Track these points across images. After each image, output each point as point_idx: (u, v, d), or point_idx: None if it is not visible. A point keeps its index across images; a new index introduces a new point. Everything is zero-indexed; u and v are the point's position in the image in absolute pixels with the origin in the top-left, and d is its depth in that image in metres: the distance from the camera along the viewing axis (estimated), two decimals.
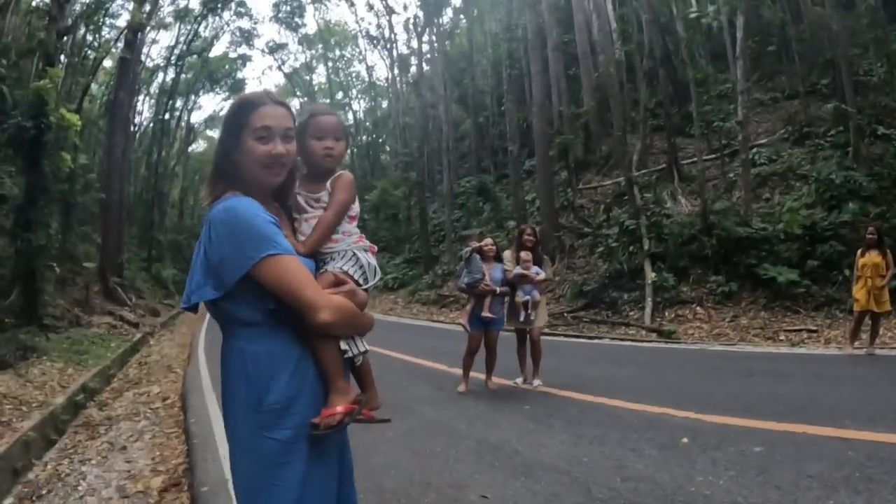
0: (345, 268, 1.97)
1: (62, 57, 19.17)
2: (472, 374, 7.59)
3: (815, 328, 10.87)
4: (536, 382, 7.49)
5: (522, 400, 6.81)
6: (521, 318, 7.50)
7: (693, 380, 7.74)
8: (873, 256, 8.82)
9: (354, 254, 2.02)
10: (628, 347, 11.47)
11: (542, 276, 7.89)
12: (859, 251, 9.14)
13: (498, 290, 7.36)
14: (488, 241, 7.81)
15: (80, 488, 4.79)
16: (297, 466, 1.77)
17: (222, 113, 46.55)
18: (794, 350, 9.76)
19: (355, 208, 2.10)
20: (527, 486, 4.13)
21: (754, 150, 16.94)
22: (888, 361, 8.18)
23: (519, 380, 7.74)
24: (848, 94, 14.71)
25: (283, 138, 1.82)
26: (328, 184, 2.03)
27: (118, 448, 5.92)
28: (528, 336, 7.81)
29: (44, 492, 4.70)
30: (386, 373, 9.74)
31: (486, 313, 7.26)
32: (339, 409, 1.82)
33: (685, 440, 4.85)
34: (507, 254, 8.02)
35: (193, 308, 1.89)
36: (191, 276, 1.87)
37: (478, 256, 7.52)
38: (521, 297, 7.55)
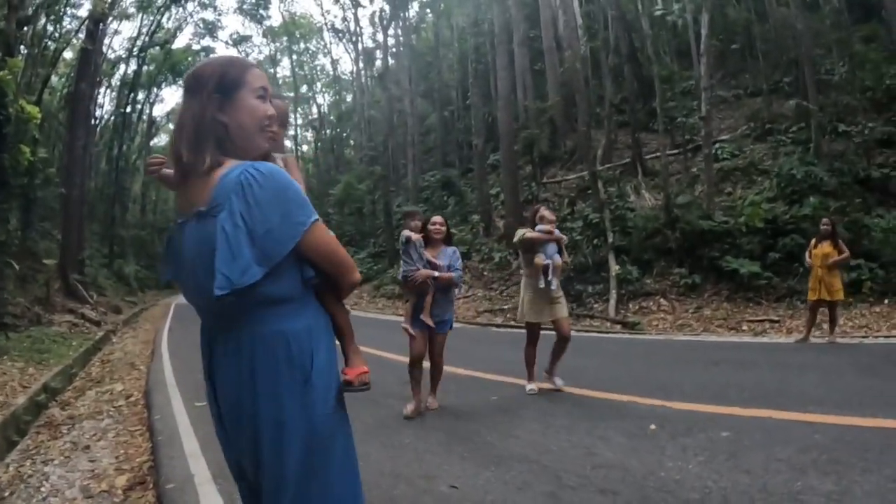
0: None
1: (22, 47, 18.64)
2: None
3: (777, 318, 11.07)
4: (559, 382, 6.63)
5: (491, 391, 6.79)
6: (541, 284, 6.46)
7: (659, 369, 7.78)
8: (825, 247, 9.01)
9: None
10: (594, 339, 11.51)
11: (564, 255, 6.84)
12: (812, 242, 9.33)
13: (437, 274, 5.88)
14: (437, 219, 6.25)
15: (42, 489, 4.69)
16: (341, 440, 1.78)
17: None
18: (757, 340, 9.88)
19: None
20: (497, 475, 4.10)
21: (717, 145, 17.18)
22: (850, 349, 8.30)
23: (532, 386, 6.65)
24: (810, 93, 14.99)
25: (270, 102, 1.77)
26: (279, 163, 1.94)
27: (81, 447, 5.80)
28: (557, 331, 6.64)
29: (6, 494, 4.59)
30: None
31: (425, 316, 5.88)
32: (365, 368, 1.91)
33: (653, 427, 4.85)
34: (521, 231, 6.89)
35: (239, 293, 1.60)
36: (227, 256, 1.59)
37: (417, 242, 5.99)
38: (541, 259, 6.49)
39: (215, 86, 1.72)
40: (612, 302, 13.94)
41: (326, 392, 1.73)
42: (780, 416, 4.88)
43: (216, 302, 1.62)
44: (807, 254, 9.37)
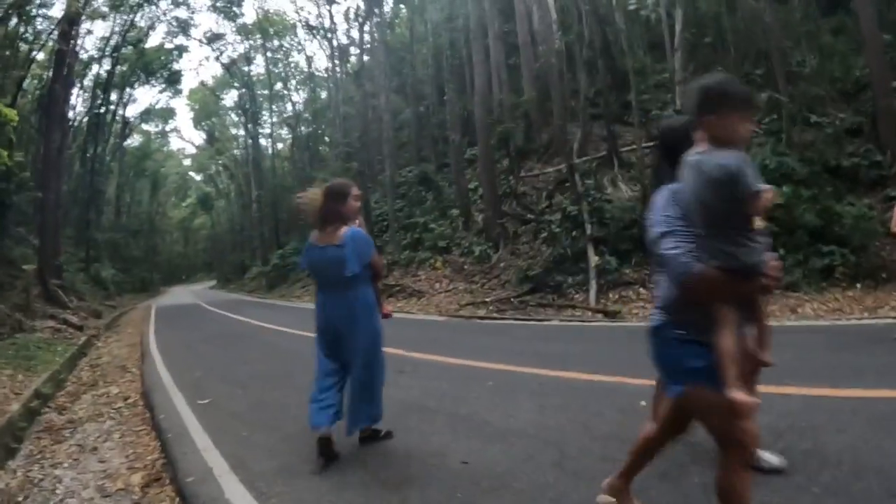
0: None
1: None
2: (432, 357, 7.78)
3: None
4: None
5: (484, 377, 7.07)
6: None
7: (643, 353, 8.06)
8: None
9: None
10: (577, 327, 11.85)
11: None
12: None
13: None
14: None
15: (57, 492, 4.78)
16: (381, 334, 4.84)
17: (158, 105, 45.06)
18: None
19: None
20: (503, 450, 4.41)
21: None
22: (824, 331, 8.66)
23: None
24: (781, 84, 15.40)
25: None
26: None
27: (89, 449, 5.90)
28: None
29: (20, 498, 4.67)
30: None
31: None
32: (390, 308, 5.28)
33: (643, 403, 5.16)
34: None
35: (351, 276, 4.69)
36: (352, 262, 4.66)
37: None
38: None
39: (338, 196, 4.79)
40: (592, 292, 14.27)
41: (377, 315, 4.86)
42: (758, 388, 5.21)
43: (344, 279, 4.56)
44: None
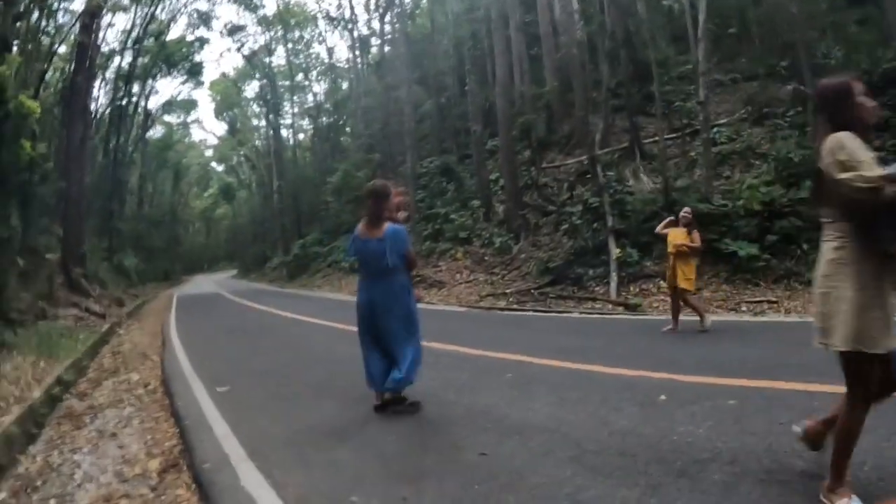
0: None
1: (15, 43, 18.65)
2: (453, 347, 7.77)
3: (775, 299, 11.30)
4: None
5: (503, 369, 7.05)
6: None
7: (663, 346, 8.05)
8: (678, 234, 9.26)
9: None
10: (597, 320, 11.80)
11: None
12: (663, 225, 9.68)
13: None
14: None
15: (76, 476, 4.81)
16: (417, 313, 5.73)
17: (180, 97, 45.31)
18: (756, 319, 10.15)
19: None
20: (521, 443, 4.37)
21: (715, 129, 17.37)
22: None
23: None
24: (806, 76, 15.17)
25: None
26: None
27: (108, 435, 5.94)
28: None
29: (39, 483, 4.70)
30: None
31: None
32: (421, 294, 7.50)
33: (663, 397, 5.14)
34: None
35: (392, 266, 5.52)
36: (391, 254, 5.47)
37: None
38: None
39: (381, 196, 5.62)
40: (613, 284, 14.18)
41: (412, 295, 5.72)
42: (780, 385, 5.18)
43: (385, 268, 5.36)
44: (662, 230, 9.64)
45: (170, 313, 20.22)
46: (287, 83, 56.10)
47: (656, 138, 17.69)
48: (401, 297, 5.51)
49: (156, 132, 60.20)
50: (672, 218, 9.68)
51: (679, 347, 7.91)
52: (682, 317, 9.24)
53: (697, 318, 9.00)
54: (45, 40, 24.97)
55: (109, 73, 41.39)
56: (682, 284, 9.04)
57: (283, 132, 58.90)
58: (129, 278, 34.68)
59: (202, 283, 48.42)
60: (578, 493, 3.43)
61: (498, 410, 5.33)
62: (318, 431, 5.24)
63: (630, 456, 3.88)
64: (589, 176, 18.60)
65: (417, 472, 4.01)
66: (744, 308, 11.13)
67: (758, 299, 11.46)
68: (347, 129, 51.87)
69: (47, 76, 26.85)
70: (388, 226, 5.42)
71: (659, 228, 9.73)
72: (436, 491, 3.66)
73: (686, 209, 9.61)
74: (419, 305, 5.93)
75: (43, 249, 18.61)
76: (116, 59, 41.39)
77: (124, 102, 43.41)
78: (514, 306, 15.10)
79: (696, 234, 9.20)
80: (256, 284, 41.78)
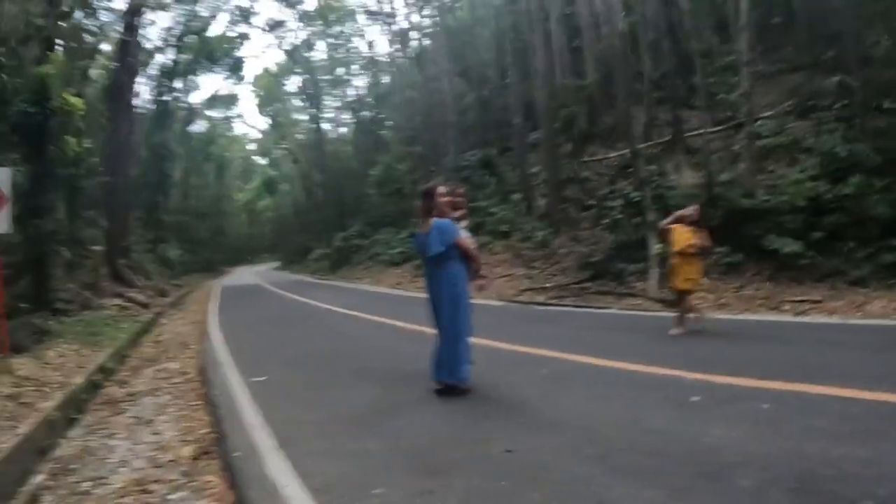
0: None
1: (59, 42, 19.14)
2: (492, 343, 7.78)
3: (819, 299, 10.90)
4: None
5: (538, 365, 7.08)
6: None
7: (701, 346, 7.95)
8: (685, 233, 8.84)
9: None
10: (636, 317, 11.70)
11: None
12: (670, 222, 9.17)
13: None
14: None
15: (110, 460, 4.96)
16: (467, 300, 6.09)
17: (222, 92, 46.17)
18: (798, 319, 9.93)
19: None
20: (550, 440, 4.40)
21: (759, 122, 17.01)
22: (891, 331, 8.35)
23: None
24: (853, 68, 14.78)
25: None
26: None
27: (144, 422, 6.11)
28: None
29: (76, 466, 4.84)
30: (401, 342, 10.04)
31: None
32: (482, 282, 7.23)
33: (696, 398, 5.12)
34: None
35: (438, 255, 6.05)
36: (436, 244, 6.02)
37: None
38: None
39: (427, 195, 6.17)
40: (654, 281, 14.04)
41: (461, 286, 6.03)
42: (818, 390, 5.08)
43: (432, 259, 5.99)
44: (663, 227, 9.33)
45: (211, 304, 20.59)
46: (328, 77, 56.43)
47: (699, 131, 17.42)
48: (446, 287, 6.00)
49: (199, 126, 61.14)
50: (680, 213, 9.22)
51: (717, 347, 7.82)
52: (715, 315, 9.08)
53: (676, 315, 8.92)
54: (89, 38, 25.50)
55: (152, 70, 42.22)
56: (685, 286, 8.79)
57: (325, 126, 59.38)
58: (172, 269, 35.49)
59: (244, 275, 49.16)
60: (604, 491, 3.43)
61: (530, 406, 5.36)
62: (349, 421, 5.34)
63: (659, 456, 3.87)
64: (630, 170, 18.40)
65: (445, 465, 4.05)
66: (786, 307, 10.84)
67: (800, 298, 11.15)
68: (389, 122, 52.00)
69: (92, 73, 27.51)
70: (434, 220, 5.97)
71: (665, 223, 9.32)
72: (462, 486, 3.69)
73: (694, 206, 9.25)
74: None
75: (89, 241, 19.14)
76: (159, 56, 42.23)
77: (167, 98, 44.18)
78: (553, 301, 15.05)
79: (703, 234, 8.88)
80: (298, 276, 42.25)
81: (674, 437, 4.25)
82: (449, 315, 5.97)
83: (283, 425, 5.34)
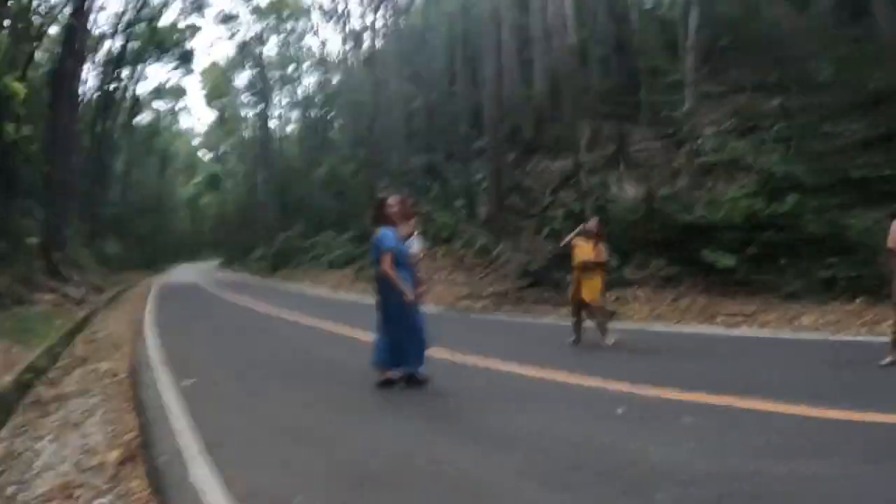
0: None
1: (5, 23, 18.43)
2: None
3: (751, 312, 11.06)
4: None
5: (473, 375, 7.16)
6: None
7: (627, 358, 8.00)
8: (586, 247, 8.93)
9: None
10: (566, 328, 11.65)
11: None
12: (572, 237, 9.27)
13: None
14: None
15: (36, 465, 4.82)
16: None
17: (169, 84, 45.31)
18: (729, 331, 10.07)
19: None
20: (475, 450, 4.39)
21: (700, 140, 17.27)
22: (818, 345, 8.46)
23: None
24: (795, 91, 15.08)
25: None
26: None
27: (71, 425, 5.93)
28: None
29: (1, 469, 4.71)
30: (336, 347, 9.86)
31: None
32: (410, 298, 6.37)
33: (620, 410, 5.06)
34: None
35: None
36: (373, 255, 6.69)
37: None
38: None
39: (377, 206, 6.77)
40: None
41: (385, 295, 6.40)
42: (739, 404, 5.10)
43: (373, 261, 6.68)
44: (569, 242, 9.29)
45: (148, 303, 20.05)
46: (278, 73, 55.82)
47: (642, 146, 17.59)
48: (381, 290, 6.53)
49: (144, 118, 59.86)
50: (583, 226, 9.31)
51: (646, 359, 7.87)
52: (628, 326, 9.09)
53: (601, 333, 8.85)
54: (36, 20, 24.59)
55: (99, 57, 41.09)
56: (587, 298, 8.78)
57: (272, 123, 58.72)
58: (110, 265, 34.43)
59: (185, 273, 48.13)
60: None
61: (457, 416, 5.34)
62: (276, 428, 5.28)
63: (583, 469, 3.81)
64: (573, 181, 18.48)
65: (366, 477, 3.96)
66: (718, 320, 10.98)
67: (733, 312, 11.29)
68: (337, 122, 51.60)
69: (37, 57, 26.55)
70: (381, 230, 6.49)
71: (566, 240, 9.37)
72: (377, 498, 3.64)
73: (593, 220, 9.37)
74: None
75: (24, 232, 18.41)
76: (107, 43, 41.14)
77: (113, 87, 43.24)
78: (490, 309, 15.00)
79: (601, 248, 8.93)
80: (238, 276, 41.57)
81: (596, 449, 4.19)
82: (380, 313, 6.55)
83: (211, 430, 5.19)
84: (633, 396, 5.54)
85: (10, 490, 4.29)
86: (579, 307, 8.93)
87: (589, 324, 9.12)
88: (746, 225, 12.74)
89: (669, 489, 3.38)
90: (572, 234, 9.31)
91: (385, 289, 6.43)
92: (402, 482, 3.86)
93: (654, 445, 4.15)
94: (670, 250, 13.57)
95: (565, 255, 15.50)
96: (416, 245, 6.92)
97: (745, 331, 10.03)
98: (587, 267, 8.81)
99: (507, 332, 11.47)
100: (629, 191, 17.52)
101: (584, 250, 8.89)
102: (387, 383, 6.35)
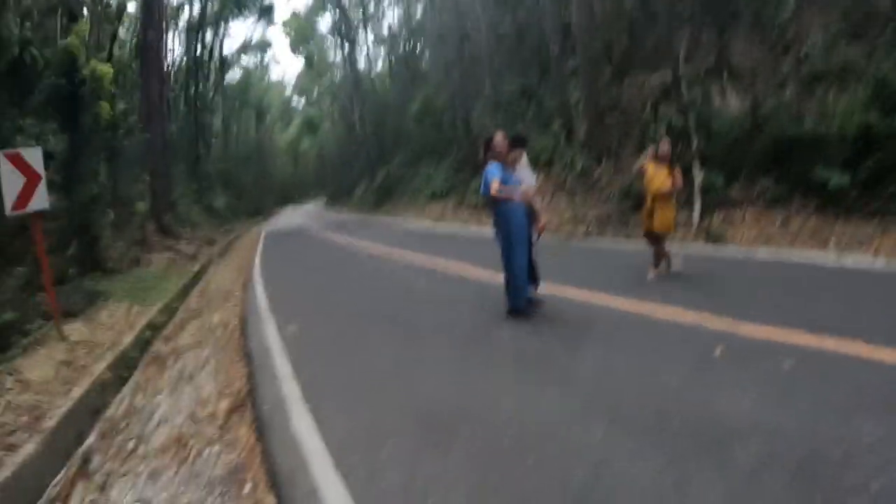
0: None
1: (84, 9, 19.17)
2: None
3: (865, 238, 10.30)
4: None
5: (566, 308, 7.21)
6: None
7: (729, 287, 7.95)
8: (660, 173, 8.51)
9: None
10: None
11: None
12: (646, 162, 8.84)
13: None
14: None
15: (154, 418, 5.20)
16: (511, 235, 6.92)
17: (254, 40, 45.87)
18: (841, 261, 9.38)
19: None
20: (561, 393, 4.52)
21: (807, 45, 16.16)
22: None
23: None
24: None
25: None
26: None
27: (187, 377, 6.34)
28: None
29: (122, 425, 5.10)
30: (439, 285, 10.12)
31: None
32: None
33: (717, 353, 5.07)
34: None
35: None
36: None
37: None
38: None
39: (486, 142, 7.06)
40: (696, 212, 13.71)
41: (517, 223, 6.88)
42: (842, 349, 4.89)
43: (485, 196, 6.82)
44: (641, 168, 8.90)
45: (256, 250, 20.90)
46: (360, 11, 55.44)
47: (745, 54, 16.66)
48: (501, 223, 6.86)
49: (234, 76, 61.25)
50: (654, 149, 8.83)
51: (749, 291, 7.64)
52: (731, 253, 8.79)
53: (664, 261, 8.75)
54: (113, 2, 25.41)
55: (182, 24, 42.45)
56: (661, 227, 8.53)
57: (361, 62, 58.60)
58: (220, 217, 36.13)
59: (291, 216, 49.64)
60: (605, 455, 3.48)
61: (547, 355, 5.49)
62: (376, 375, 5.49)
63: (665, 419, 3.88)
64: (673, 95, 17.80)
65: (452, 422, 4.15)
66: (830, 244, 10.40)
67: (846, 236, 10.58)
68: (425, 54, 51.02)
69: (122, 34, 27.49)
70: (490, 164, 6.82)
71: (639, 165, 9.05)
72: (465, 445, 3.79)
73: (665, 142, 8.82)
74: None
75: (135, 199, 19.52)
76: (186, 9, 42.37)
77: (199, 51, 44.27)
78: (593, 232, 15.09)
79: (677, 173, 8.49)
80: (343, 215, 42.39)
81: (687, 399, 4.21)
82: (502, 250, 6.90)
83: (312, 377, 5.54)
84: (731, 336, 5.43)
85: (130, 444, 4.68)
86: (655, 237, 8.71)
87: (675, 250, 9.03)
88: (860, 140, 11.68)
89: (750, 447, 3.36)
90: (643, 159, 9.00)
91: (502, 215, 6.84)
92: (481, 428, 4.00)
93: (744, 395, 4.11)
94: (779, 168, 12.87)
95: None
96: (527, 177, 7.30)
97: (858, 259, 9.36)
98: (662, 195, 8.49)
99: (606, 260, 11.45)
100: (733, 102, 16.75)
101: (659, 177, 8.50)
102: (521, 309, 6.90)
